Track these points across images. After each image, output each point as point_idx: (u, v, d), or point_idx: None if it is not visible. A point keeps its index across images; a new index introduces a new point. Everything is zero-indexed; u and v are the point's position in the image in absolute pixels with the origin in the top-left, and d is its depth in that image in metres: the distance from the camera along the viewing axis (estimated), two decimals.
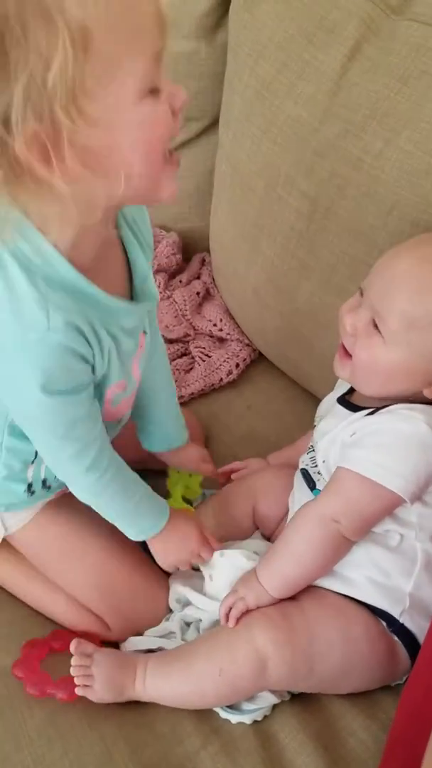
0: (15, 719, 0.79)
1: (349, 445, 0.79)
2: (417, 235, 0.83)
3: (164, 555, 0.83)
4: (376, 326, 0.77)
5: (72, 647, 0.79)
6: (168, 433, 0.93)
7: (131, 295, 0.75)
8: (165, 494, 0.95)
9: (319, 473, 0.84)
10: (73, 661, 0.78)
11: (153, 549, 0.83)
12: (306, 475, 0.86)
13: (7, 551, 0.88)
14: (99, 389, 0.74)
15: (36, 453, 0.79)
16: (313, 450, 0.86)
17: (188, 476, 0.98)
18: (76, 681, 0.78)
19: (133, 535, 0.82)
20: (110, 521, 0.81)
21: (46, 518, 0.86)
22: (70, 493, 0.80)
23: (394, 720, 0.70)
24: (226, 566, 0.83)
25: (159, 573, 0.88)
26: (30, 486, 0.82)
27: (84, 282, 0.65)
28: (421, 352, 0.76)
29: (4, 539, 0.87)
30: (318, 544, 0.78)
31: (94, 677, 0.78)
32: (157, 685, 0.78)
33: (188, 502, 0.97)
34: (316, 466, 0.85)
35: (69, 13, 0.51)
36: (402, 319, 0.75)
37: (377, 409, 0.79)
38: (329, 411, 0.87)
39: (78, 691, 0.78)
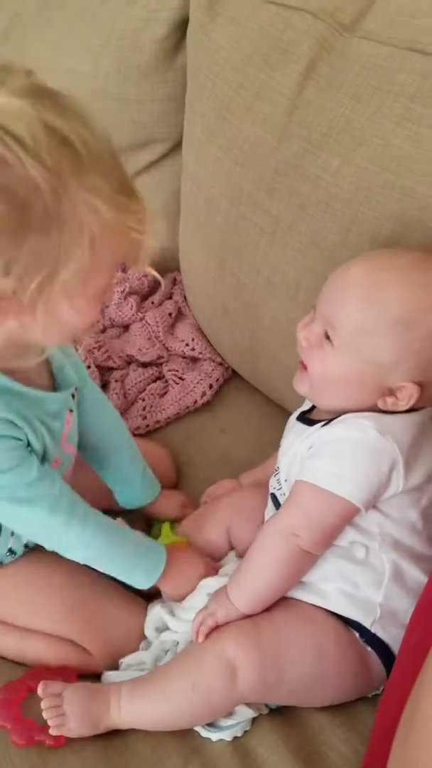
0: (2, 740, 0.79)
1: (306, 458, 0.80)
2: (375, 249, 0.85)
3: (176, 590, 0.86)
4: (328, 337, 0.78)
5: (39, 690, 0.79)
6: (138, 489, 0.96)
7: (53, 382, 0.82)
8: (153, 535, 0.96)
9: (283, 494, 0.84)
10: (43, 704, 0.78)
11: (164, 589, 0.86)
12: (274, 498, 0.87)
13: None
14: (42, 463, 0.79)
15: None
16: (278, 471, 0.87)
17: (168, 527, 0.98)
18: (49, 722, 0.77)
19: (141, 581, 0.84)
20: (115, 575, 0.84)
21: None
22: None
23: (371, 735, 0.71)
24: (197, 589, 0.85)
25: (129, 590, 0.88)
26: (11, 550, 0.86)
27: (9, 382, 0.74)
28: (370, 359, 0.76)
29: None
30: (280, 559, 0.79)
31: (67, 715, 0.77)
32: (133, 709, 0.78)
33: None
34: (281, 488, 0.85)
35: (91, 226, 0.62)
36: (351, 326, 0.76)
37: (331, 420, 0.80)
38: (291, 430, 0.88)
39: (53, 731, 0.77)
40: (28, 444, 0.77)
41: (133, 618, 0.87)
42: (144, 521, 0.98)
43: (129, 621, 0.87)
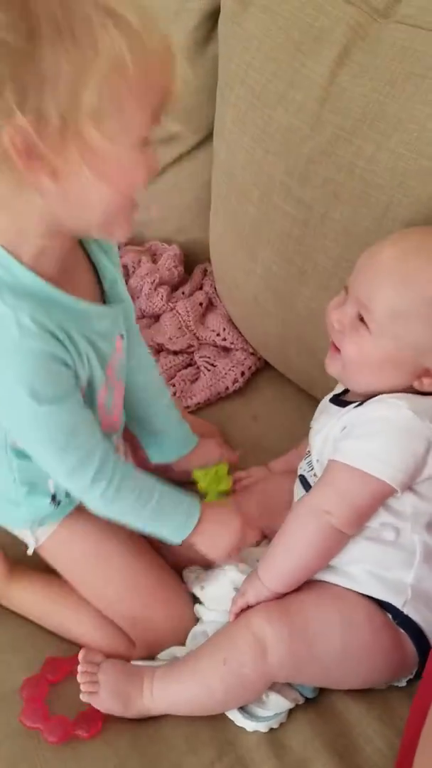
0: (30, 739, 0.79)
1: (339, 439, 0.80)
2: (404, 230, 0.84)
3: (212, 548, 0.83)
4: (362, 320, 0.78)
5: (80, 655, 0.79)
6: (177, 438, 0.93)
7: (103, 299, 0.76)
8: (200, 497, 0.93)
9: (315, 475, 0.84)
10: (79, 668, 0.78)
11: (198, 545, 0.82)
12: (303, 480, 0.86)
13: (29, 577, 0.89)
14: (89, 395, 0.75)
15: None
16: (310, 454, 0.86)
17: (214, 471, 0.96)
18: (82, 687, 0.78)
19: (170, 535, 0.80)
20: (140, 530, 0.81)
21: (71, 524, 0.85)
22: None
23: (405, 728, 0.70)
24: (220, 579, 0.85)
25: (182, 586, 0.88)
26: (54, 497, 0.83)
27: (50, 289, 0.67)
28: (408, 344, 0.76)
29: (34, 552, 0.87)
30: (311, 537, 0.78)
31: (99, 685, 0.78)
32: (165, 690, 0.78)
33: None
34: (312, 469, 0.85)
35: (111, 33, 0.55)
36: (388, 310, 0.76)
37: (364, 400, 0.80)
38: (323, 411, 0.87)
39: (83, 697, 0.78)
40: (75, 373, 0.71)
41: (182, 616, 0.86)
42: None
43: (178, 619, 0.85)
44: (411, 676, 0.81)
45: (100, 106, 0.56)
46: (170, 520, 0.80)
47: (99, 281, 0.77)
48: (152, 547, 0.88)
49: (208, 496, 0.93)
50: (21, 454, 0.78)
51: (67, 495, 0.84)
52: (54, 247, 0.67)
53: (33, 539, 0.86)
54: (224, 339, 1.17)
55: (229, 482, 0.97)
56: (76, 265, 0.73)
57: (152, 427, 0.92)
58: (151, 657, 0.85)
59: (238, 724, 0.79)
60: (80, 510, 0.85)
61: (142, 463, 0.92)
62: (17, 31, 0.52)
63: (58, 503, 0.84)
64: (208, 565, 0.89)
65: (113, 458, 0.76)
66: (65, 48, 0.54)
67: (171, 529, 0.80)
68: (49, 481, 0.81)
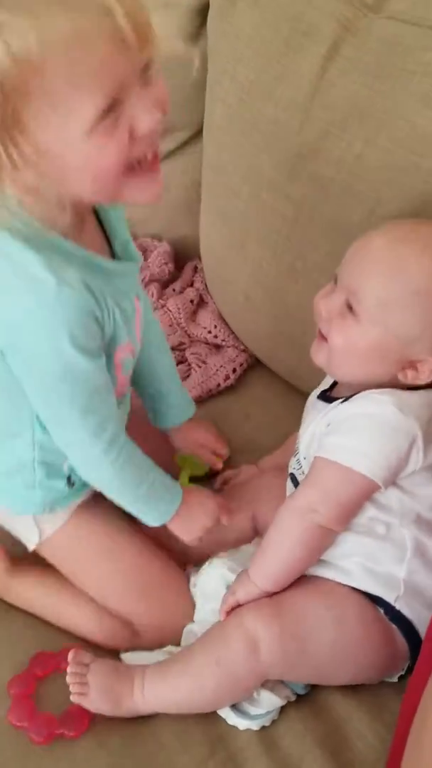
0: (22, 739, 0.78)
1: (324, 435, 0.80)
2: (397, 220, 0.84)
3: (186, 530, 0.84)
4: (349, 308, 0.77)
5: (69, 656, 0.79)
6: (176, 404, 0.95)
7: (112, 257, 0.77)
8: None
9: (303, 473, 0.84)
10: (68, 669, 0.78)
11: (173, 528, 0.83)
12: (293, 479, 0.86)
13: (28, 569, 0.89)
14: (108, 353, 0.75)
15: None
16: (298, 451, 0.86)
17: (193, 458, 0.98)
18: (71, 688, 0.77)
19: (152, 520, 0.82)
20: (127, 508, 0.82)
21: (79, 520, 0.86)
22: (99, 496, 0.82)
23: (397, 722, 0.70)
24: (212, 575, 0.85)
25: (185, 580, 0.88)
26: (69, 478, 0.83)
27: (81, 250, 0.68)
28: (395, 332, 0.76)
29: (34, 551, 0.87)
30: (298, 536, 0.78)
31: (89, 685, 0.77)
32: (156, 689, 0.78)
33: (196, 480, 0.96)
34: (300, 467, 0.85)
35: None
36: (377, 299, 0.76)
37: (350, 396, 0.80)
38: (311, 408, 0.87)
39: (73, 699, 0.77)
40: (102, 329, 0.71)
41: (186, 610, 0.86)
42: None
43: (182, 612, 0.85)
44: (402, 672, 0.81)
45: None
46: (158, 500, 0.82)
47: (107, 240, 0.77)
48: (156, 542, 0.89)
49: (180, 479, 0.93)
50: (46, 428, 0.77)
51: (69, 484, 0.84)
52: (73, 213, 0.68)
53: (37, 532, 0.85)
54: (215, 336, 1.16)
55: (203, 469, 0.98)
56: (90, 227, 0.74)
57: (157, 390, 0.93)
58: (159, 646, 0.85)
59: (230, 722, 0.79)
60: (85, 507, 0.86)
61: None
62: None
63: (73, 485, 0.84)
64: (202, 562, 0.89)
65: (123, 432, 0.78)
66: None
67: (155, 513, 0.82)
68: (64, 463, 0.82)
